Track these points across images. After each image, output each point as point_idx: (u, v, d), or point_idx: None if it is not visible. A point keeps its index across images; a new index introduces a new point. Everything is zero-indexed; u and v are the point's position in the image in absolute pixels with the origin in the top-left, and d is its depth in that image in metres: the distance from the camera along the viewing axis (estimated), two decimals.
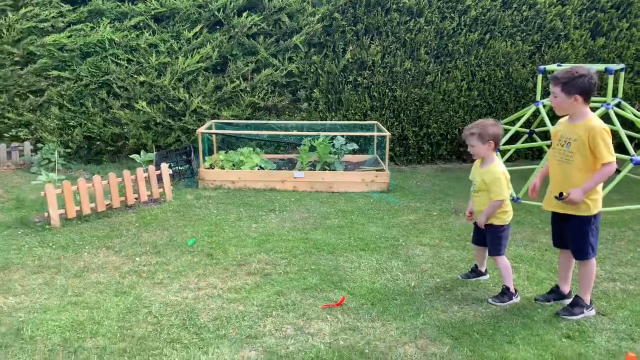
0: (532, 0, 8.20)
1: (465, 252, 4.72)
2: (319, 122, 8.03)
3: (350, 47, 8.05)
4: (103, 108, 8.09)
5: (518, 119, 7.02)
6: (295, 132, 7.64)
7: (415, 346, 3.21)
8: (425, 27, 8.02)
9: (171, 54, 7.95)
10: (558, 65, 6.93)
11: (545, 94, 7.38)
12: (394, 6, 7.95)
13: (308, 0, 8.06)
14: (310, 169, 7.08)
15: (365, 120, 8.17)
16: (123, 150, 8.36)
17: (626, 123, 6.96)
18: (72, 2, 7.85)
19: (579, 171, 3.42)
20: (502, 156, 7.05)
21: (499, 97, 8.44)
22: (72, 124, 8.08)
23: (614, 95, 6.66)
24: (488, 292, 3.93)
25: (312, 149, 7.29)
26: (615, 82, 6.75)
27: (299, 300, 3.78)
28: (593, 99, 3.88)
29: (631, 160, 5.88)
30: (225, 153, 7.41)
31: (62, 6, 7.79)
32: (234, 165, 7.08)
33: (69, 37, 7.80)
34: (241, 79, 8.09)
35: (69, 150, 8.14)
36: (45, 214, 5.34)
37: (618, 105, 6.51)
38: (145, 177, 6.06)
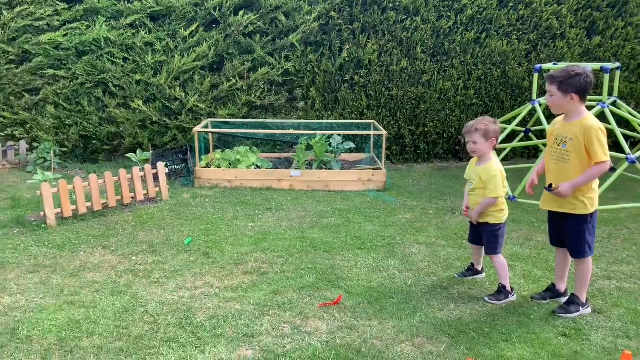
0: None
1: (461, 250, 4.73)
2: (316, 121, 8.03)
3: (347, 46, 8.05)
4: (99, 107, 8.07)
5: (514, 117, 7.03)
6: (291, 131, 7.63)
7: (412, 344, 3.22)
8: (421, 25, 8.03)
9: (167, 53, 7.94)
10: (554, 64, 6.94)
11: (542, 92, 7.39)
12: (391, 5, 7.95)
13: None
14: (307, 168, 7.08)
15: (361, 119, 8.18)
16: (119, 149, 8.34)
17: (622, 122, 6.99)
18: (68, 1, 7.83)
19: (575, 170, 3.43)
20: (499, 155, 7.06)
21: (495, 96, 8.46)
22: (68, 122, 8.06)
23: (610, 94, 6.69)
24: (484, 291, 3.94)
25: (309, 147, 7.29)
26: (611, 81, 6.77)
27: (296, 299, 3.78)
28: (589, 97, 3.89)
29: (627, 159, 5.91)
30: (222, 152, 7.40)
31: (58, 4, 7.76)
32: (230, 164, 7.07)
33: (65, 35, 7.77)
34: (237, 77, 8.08)
35: (64, 149, 8.11)
36: (41, 213, 5.32)
37: (614, 104, 6.53)
38: (141, 176, 6.05)
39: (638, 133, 7.06)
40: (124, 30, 7.81)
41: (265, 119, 8.22)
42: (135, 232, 5.16)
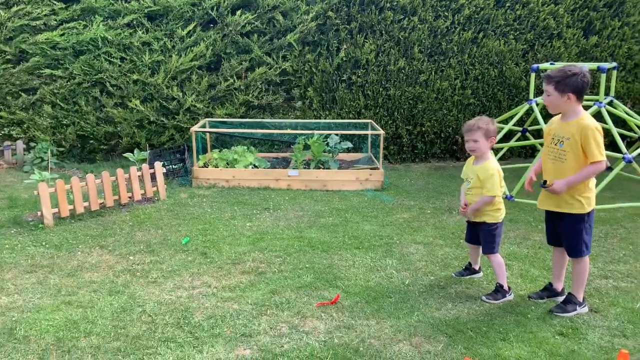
0: None
1: (459, 250, 4.74)
2: (313, 120, 8.03)
3: (344, 46, 8.05)
4: (96, 107, 8.06)
5: (511, 117, 7.04)
6: (289, 131, 7.63)
7: (410, 344, 3.22)
8: (419, 25, 8.04)
9: (165, 53, 7.93)
10: (551, 64, 6.96)
11: (538, 92, 7.43)
12: (388, 5, 7.95)
13: None
14: (305, 168, 7.08)
15: (359, 118, 8.18)
16: (116, 148, 8.33)
17: (618, 121, 7.01)
18: (65, 0, 7.81)
19: (572, 169, 3.44)
20: (496, 154, 7.07)
21: (493, 95, 8.47)
22: (65, 122, 8.04)
23: (607, 93, 6.70)
24: (482, 290, 3.95)
25: (307, 147, 7.29)
26: (608, 80, 6.79)
27: (294, 298, 3.79)
28: (586, 97, 3.90)
29: (623, 158, 5.92)
30: (219, 151, 7.40)
31: (55, 4, 7.75)
32: (227, 164, 7.07)
33: (62, 35, 7.76)
34: (235, 77, 8.07)
35: (62, 149, 8.10)
36: (39, 213, 5.31)
37: (610, 103, 6.55)
38: (139, 176, 6.05)
39: (634, 132, 7.09)
40: (121, 29, 7.80)
41: (263, 118, 8.22)
42: (132, 232, 5.15)
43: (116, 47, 7.83)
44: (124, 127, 8.03)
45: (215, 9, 7.87)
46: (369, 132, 7.53)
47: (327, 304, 3.69)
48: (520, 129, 7.38)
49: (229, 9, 7.89)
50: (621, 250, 4.78)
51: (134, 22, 7.84)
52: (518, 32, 8.32)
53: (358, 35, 8.02)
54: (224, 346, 3.17)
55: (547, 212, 3.69)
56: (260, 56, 8.03)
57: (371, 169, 7.07)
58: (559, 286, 3.79)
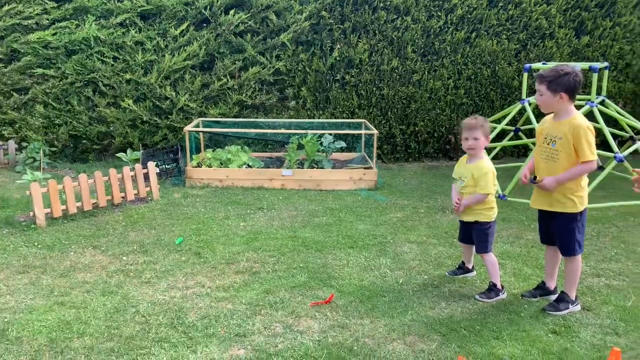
0: None
1: (452, 249, 4.75)
2: (307, 120, 8.03)
3: (338, 45, 8.06)
4: (89, 106, 8.02)
5: (504, 116, 7.07)
6: (283, 130, 7.63)
7: (404, 343, 3.23)
8: (412, 25, 8.05)
9: (157, 52, 7.90)
10: (543, 64, 6.99)
11: (531, 92, 7.46)
12: (381, 4, 7.97)
13: None
14: (298, 167, 7.08)
15: (352, 118, 8.19)
16: (109, 148, 8.30)
17: (610, 121, 7.05)
18: None
19: (564, 169, 3.46)
20: (488, 153, 7.09)
21: (485, 95, 8.50)
22: (57, 122, 8.00)
23: (598, 93, 6.75)
24: (475, 289, 3.96)
25: (300, 147, 7.29)
26: (600, 80, 6.83)
27: (288, 298, 3.79)
28: (578, 96, 3.92)
29: (615, 157, 5.96)
30: (213, 151, 7.38)
31: (47, 3, 7.70)
32: (221, 164, 7.06)
33: (54, 34, 7.71)
34: (228, 77, 8.06)
35: (54, 149, 8.05)
36: (31, 213, 5.28)
37: (602, 103, 6.59)
38: (132, 176, 6.02)
39: (626, 132, 7.14)
40: (114, 29, 7.76)
41: (257, 118, 8.21)
42: (125, 232, 5.13)
43: (109, 47, 7.79)
44: (116, 126, 8.00)
45: (208, 8, 7.86)
46: (363, 131, 7.54)
47: (321, 304, 3.70)
48: (513, 128, 7.41)
49: (222, 8, 7.87)
50: (613, 248, 4.82)
51: (127, 22, 7.81)
52: (511, 32, 8.36)
53: (351, 35, 8.02)
54: (218, 346, 3.17)
55: (540, 211, 3.71)
56: (253, 56, 8.02)
57: (365, 168, 7.08)
58: (551, 285, 3.82)
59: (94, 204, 5.68)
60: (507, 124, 7.04)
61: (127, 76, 7.81)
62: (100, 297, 3.78)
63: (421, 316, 3.55)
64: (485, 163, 3.80)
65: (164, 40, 7.88)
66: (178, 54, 7.84)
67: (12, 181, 6.88)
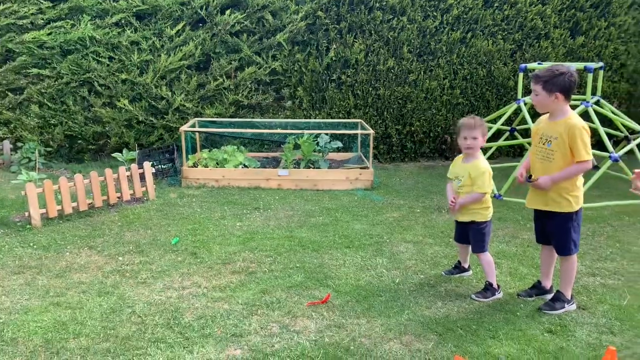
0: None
1: (448, 248, 4.76)
2: (303, 120, 8.03)
3: (334, 46, 8.06)
4: (84, 106, 8.00)
5: (499, 116, 7.09)
6: (279, 130, 7.63)
7: (400, 342, 3.23)
8: (408, 25, 8.06)
9: (153, 52, 7.88)
10: (539, 64, 7.01)
11: (526, 92, 7.47)
12: (377, 5, 7.97)
13: None
14: (295, 167, 7.08)
15: (349, 118, 8.20)
16: (105, 148, 8.27)
17: (605, 121, 7.09)
18: None
19: (560, 169, 3.47)
20: (484, 153, 7.12)
21: (481, 95, 8.52)
22: (52, 122, 7.97)
23: (593, 93, 6.77)
24: (471, 288, 3.97)
25: (297, 147, 7.29)
26: (595, 80, 6.86)
27: (284, 298, 3.79)
28: (573, 96, 3.94)
29: (610, 157, 5.99)
30: (209, 151, 7.38)
31: (42, 3, 7.67)
32: (217, 164, 7.05)
33: (49, 34, 7.69)
34: (224, 76, 8.05)
35: (49, 149, 8.03)
36: (26, 214, 5.26)
37: (597, 103, 6.62)
38: (127, 176, 6.01)
39: (621, 132, 7.17)
40: (110, 29, 7.74)
41: (253, 118, 8.20)
42: (121, 232, 5.12)
43: (104, 47, 7.77)
44: (112, 126, 7.98)
45: (204, 8, 7.84)
46: (359, 131, 7.54)
47: (318, 303, 3.70)
48: (509, 128, 7.43)
49: (218, 8, 7.86)
50: (608, 248, 4.84)
51: (123, 21, 7.78)
52: (506, 32, 8.38)
53: (347, 35, 8.03)
54: (215, 346, 3.16)
55: (536, 210, 3.73)
56: (249, 56, 8.02)
57: (361, 168, 7.08)
58: (547, 284, 3.83)
59: (89, 204, 5.66)
60: (502, 124, 7.06)
61: (123, 76, 7.79)
62: (96, 298, 3.78)
63: (417, 316, 3.55)
64: (482, 162, 3.81)
65: (159, 40, 7.86)
66: (174, 53, 7.83)
67: (7, 181, 6.85)
